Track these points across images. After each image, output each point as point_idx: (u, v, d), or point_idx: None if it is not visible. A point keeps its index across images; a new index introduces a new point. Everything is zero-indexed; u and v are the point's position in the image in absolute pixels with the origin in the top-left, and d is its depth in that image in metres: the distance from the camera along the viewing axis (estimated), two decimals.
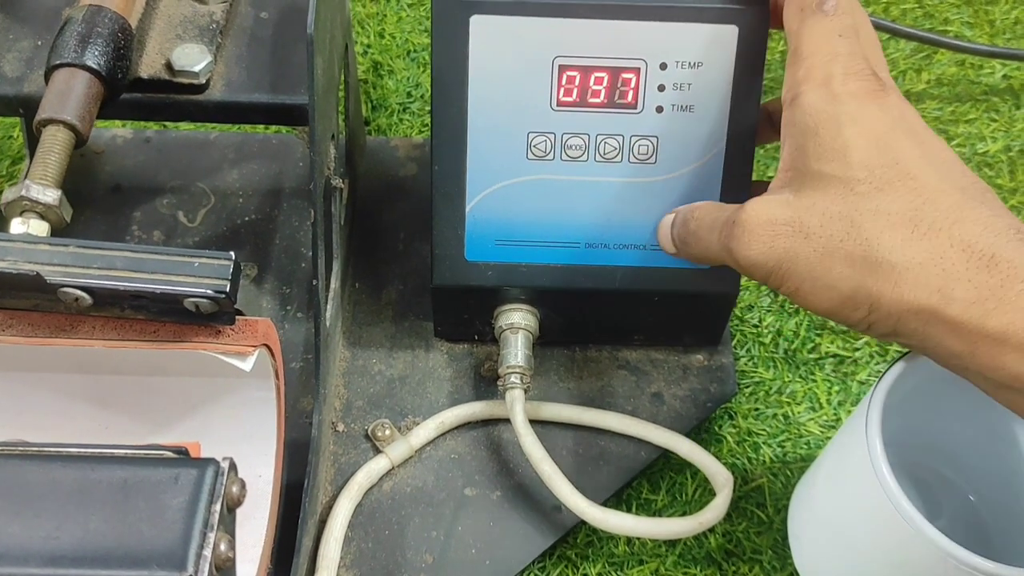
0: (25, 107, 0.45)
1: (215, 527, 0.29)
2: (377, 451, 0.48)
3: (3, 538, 0.29)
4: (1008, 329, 0.30)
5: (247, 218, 0.56)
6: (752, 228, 0.34)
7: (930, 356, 0.33)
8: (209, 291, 0.34)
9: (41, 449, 0.31)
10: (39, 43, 0.46)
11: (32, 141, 0.53)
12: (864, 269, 0.32)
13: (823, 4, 0.36)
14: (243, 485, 0.31)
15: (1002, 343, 0.30)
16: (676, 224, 0.41)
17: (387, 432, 0.48)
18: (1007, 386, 0.31)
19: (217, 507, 0.30)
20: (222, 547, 0.29)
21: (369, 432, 0.48)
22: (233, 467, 0.31)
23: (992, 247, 0.30)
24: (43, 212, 0.36)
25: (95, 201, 0.56)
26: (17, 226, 0.36)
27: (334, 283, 0.48)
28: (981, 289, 0.30)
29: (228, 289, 0.34)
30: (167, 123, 0.60)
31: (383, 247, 0.55)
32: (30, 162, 0.53)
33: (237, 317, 0.37)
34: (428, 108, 0.62)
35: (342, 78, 0.50)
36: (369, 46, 0.65)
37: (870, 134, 0.33)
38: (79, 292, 0.34)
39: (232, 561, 0.30)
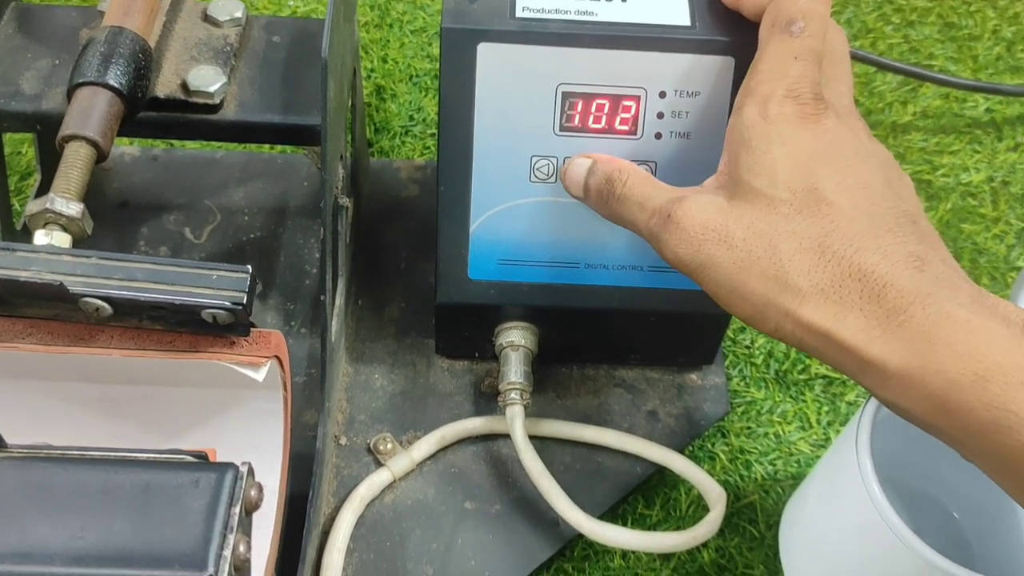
0: (42, 124, 0.46)
1: (234, 529, 0.30)
2: (379, 464, 0.49)
3: (30, 538, 0.29)
4: (888, 357, 0.31)
5: (252, 235, 0.57)
6: (685, 227, 0.35)
7: (836, 370, 0.35)
8: (227, 303, 0.35)
9: (65, 452, 0.32)
10: (56, 62, 0.47)
11: (44, 157, 0.54)
12: (775, 288, 0.33)
13: (792, 24, 0.37)
14: (260, 489, 0.32)
15: (882, 370, 0.31)
16: (595, 174, 0.40)
17: (389, 446, 0.49)
18: (892, 404, 0.32)
19: (236, 510, 0.31)
20: (240, 548, 0.30)
21: (371, 445, 0.49)
22: (251, 471, 0.32)
23: (885, 276, 0.32)
24: (66, 224, 0.38)
25: (103, 217, 0.57)
26: (41, 237, 0.37)
27: (339, 300, 0.49)
28: (869, 318, 0.32)
29: (245, 301, 0.36)
30: (176, 141, 0.61)
31: (385, 266, 0.56)
32: (40, 177, 0.55)
33: (251, 329, 0.38)
34: (430, 131, 0.64)
35: (349, 101, 0.52)
36: (373, 70, 0.67)
37: (796, 157, 0.34)
38: (100, 302, 0.35)
39: (249, 562, 0.31)
